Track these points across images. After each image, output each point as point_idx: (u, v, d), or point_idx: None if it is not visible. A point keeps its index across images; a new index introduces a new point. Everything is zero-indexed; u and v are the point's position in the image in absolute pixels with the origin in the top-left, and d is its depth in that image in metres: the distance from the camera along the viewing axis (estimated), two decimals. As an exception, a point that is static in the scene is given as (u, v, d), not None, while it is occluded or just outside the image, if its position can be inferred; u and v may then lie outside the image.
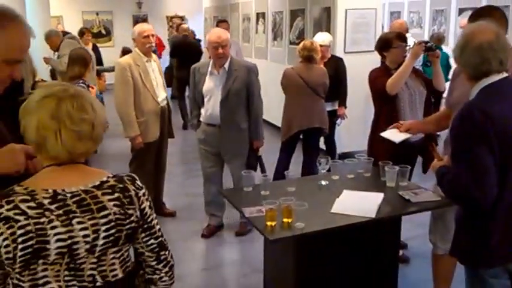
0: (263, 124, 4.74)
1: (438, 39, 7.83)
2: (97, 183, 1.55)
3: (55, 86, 1.55)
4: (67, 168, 1.55)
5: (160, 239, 1.68)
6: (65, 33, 8.32)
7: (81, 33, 9.03)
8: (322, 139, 5.94)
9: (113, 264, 1.58)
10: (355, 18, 6.94)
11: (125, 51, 9.33)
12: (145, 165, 4.84)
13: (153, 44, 4.85)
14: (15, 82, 1.86)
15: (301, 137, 5.45)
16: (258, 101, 4.52)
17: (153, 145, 4.87)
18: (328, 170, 3.54)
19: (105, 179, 1.58)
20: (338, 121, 6.06)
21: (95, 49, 9.16)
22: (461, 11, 8.91)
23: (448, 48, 8.17)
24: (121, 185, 1.58)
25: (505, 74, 2.26)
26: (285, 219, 2.73)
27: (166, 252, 1.70)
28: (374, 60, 6.64)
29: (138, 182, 1.63)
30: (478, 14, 2.99)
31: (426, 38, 9.34)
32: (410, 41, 4.48)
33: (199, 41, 13.86)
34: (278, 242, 2.76)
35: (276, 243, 2.76)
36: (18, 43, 1.72)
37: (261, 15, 9.85)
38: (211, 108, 4.46)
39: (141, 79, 4.66)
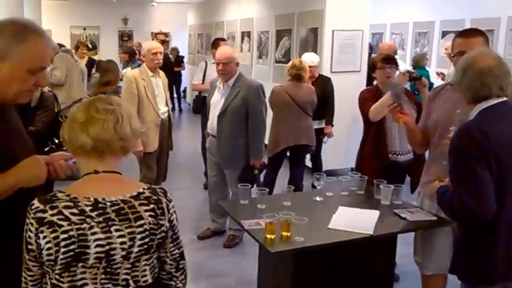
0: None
1: (416, 62, 7.70)
2: (134, 193, 1.64)
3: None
4: (105, 177, 1.63)
5: (181, 249, 1.77)
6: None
7: (76, 47, 9.36)
8: (308, 156, 6.00)
9: (145, 270, 1.66)
10: (341, 40, 7.04)
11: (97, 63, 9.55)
12: (148, 174, 5.02)
13: (161, 61, 5.03)
14: None
15: (288, 154, 5.48)
16: (257, 120, 4.53)
17: (154, 155, 5.03)
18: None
19: (141, 190, 1.67)
20: (325, 139, 6.15)
21: (91, 62, 9.31)
22: (444, 34, 8.95)
23: (431, 70, 8.27)
24: (155, 197, 1.67)
25: (504, 98, 2.32)
26: (284, 233, 2.75)
27: (184, 262, 1.79)
28: (359, 80, 6.81)
29: (169, 195, 1.72)
30: (462, 35, 3.01)
31: (408, 59, 9.40)
32: (400, 63, 4.60)
33: (183, 57, 13.98)
34: (279, 255, 2.78)
35: (277, 255, 2.78)
36: (39, 53, 1.81)
37: (246, 34, 9.96)
38: (211, 119, 4.64)
39: (145, 91, 4.86)
